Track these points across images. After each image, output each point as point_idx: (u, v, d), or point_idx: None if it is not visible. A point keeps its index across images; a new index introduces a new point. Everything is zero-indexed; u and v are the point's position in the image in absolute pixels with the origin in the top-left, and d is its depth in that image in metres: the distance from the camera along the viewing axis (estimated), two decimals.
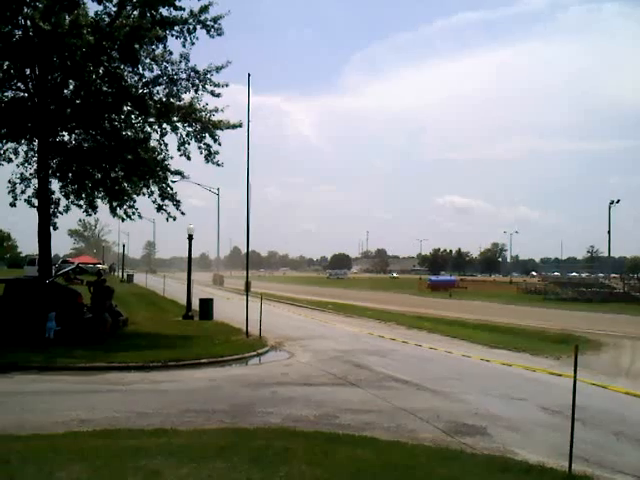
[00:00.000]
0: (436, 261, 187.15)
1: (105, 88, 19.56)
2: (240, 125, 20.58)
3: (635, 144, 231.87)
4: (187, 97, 20.24)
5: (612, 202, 67.71)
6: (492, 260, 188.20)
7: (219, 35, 19.43)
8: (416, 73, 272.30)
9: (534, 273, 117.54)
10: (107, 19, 18.71)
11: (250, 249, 23.47)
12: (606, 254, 78.02)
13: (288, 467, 6.70)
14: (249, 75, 21.42)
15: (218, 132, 20.52)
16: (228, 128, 20.48)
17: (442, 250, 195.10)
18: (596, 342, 20.72)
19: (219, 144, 20.76)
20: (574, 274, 67.36)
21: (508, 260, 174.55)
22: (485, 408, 11.03)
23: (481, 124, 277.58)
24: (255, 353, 17.52)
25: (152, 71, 19.94)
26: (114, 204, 21.06)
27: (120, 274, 78.94)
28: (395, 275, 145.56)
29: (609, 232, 67.47)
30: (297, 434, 8.38)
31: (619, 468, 7.70)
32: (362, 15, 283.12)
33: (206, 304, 27.39)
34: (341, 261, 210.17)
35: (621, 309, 40.74)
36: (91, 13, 18.36)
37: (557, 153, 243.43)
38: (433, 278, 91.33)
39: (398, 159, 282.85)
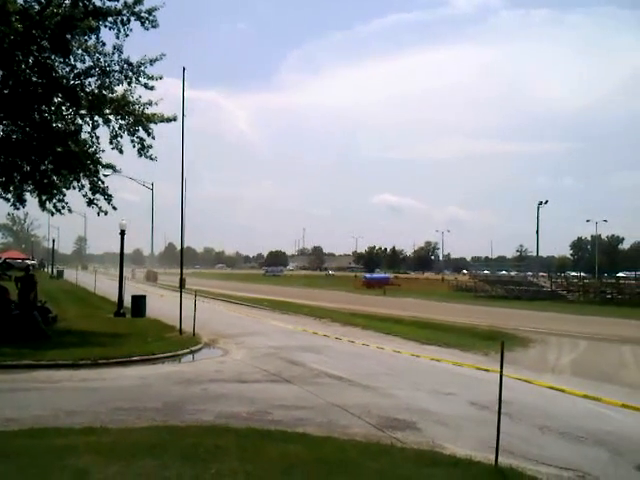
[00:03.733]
0: (371, 259, 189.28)
1: (35, 78, 18.94)
2: (175, 119, 20.31)
3: (563, 146, 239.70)
4: (120, 89, 19.78)
5: (540, 203, 69.97)
6: (425, 258, 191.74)
7: (154, 27, 19.10)
8: (353, 72, 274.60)
9: (465, 271, 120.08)
10: (37, 7, 18.14)
11: (185, 245, 23.34)
12: (535, 253, 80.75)
13: (219, 464, 6.67)
14: (184, 69, 21.19)
15: (152, 125, 20.15)
16: (162, 121, 20.16)
17: (377, 248, 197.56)
18: (523, 338, 21.34)
19: (153, 138, 20.41)
20: (503, 272, 69.12)
21: (440, 258, 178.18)
22: (415, 403, 11.24)
23: (415, 124, 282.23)
24: (188, 350, 17.34)
25: (84, 62, 19.40)
26: (43, 198, 20.46)
27: (50, 270, 76.83)
28: (331, 272, 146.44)
29: (537, 232, 69.71)
30: (229, 431, 8.35)
31: (543, 460, 7.93)
32: (296, 12, 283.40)
33: (138, 301, 26.93)
34: (277, 258, 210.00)
35: (548, 306, 42.16)
36: (20, 0, 17.78)
37: (488, 154, 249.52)
38: (368, 276, 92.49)
39: (335, 157, 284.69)
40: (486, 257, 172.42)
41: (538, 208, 68.96)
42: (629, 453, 8.47)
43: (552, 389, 13.12)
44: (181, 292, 21.91)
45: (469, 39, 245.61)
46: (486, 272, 72.38)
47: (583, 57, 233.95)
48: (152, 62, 19.56)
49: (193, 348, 17.72)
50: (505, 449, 7.74)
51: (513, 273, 67.56)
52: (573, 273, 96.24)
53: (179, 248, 28.30)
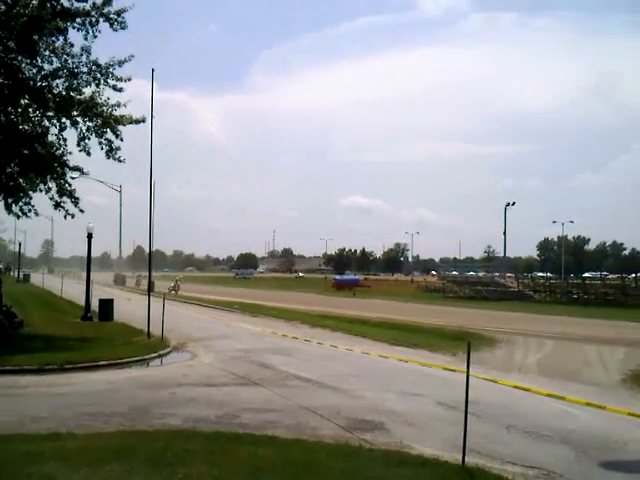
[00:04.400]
0: (341, 261, 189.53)
1: (1, 80, 18.68)
2: (143, 120, 20.16)
3: (530, 148, 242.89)
4: (88, 91, 19.58)
5: (508, 204, 70.96)
6: (395, 260, 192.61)
7: (123, 29, 18.94)
8: (323, 74, 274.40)
9: (434, 272, 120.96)
10: (3, 7, 17.88)
11: (154, 248, 23.20)
12: (502, 254, 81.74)
13: (187, 468, 6.66)
14: (153, 70, 21.10)
15: (120, 127, 19.99)
16: (131, 123, 19.99)
17: (347, 250, 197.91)
18: (490, 339, 21.55)
19: (121, 140, 20.22)
20: (472, 273, 69.83)
21: (410, 260, 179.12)
22: (384, 404, 11.32)
23: (385, 126, 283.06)
24: (156, 354, 17.21)
25: (52, 64, 19.15)
26: (9, 201, 20.15)
27: (16, 274, 75.61)
28: (301, 275, 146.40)
29: (505, 233, 70.63)
30: (197, 435, 8.34)
31: (509, 459, 8.04)
32: (267, 15, 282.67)
33: (106, 305, 26.65)
34: (248, 260, 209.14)
35: (515, 307, 42.68)
36: None
37: (456, 156, 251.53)
38: (338, 277, 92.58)
39: (305, 159, 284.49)
40: (454, 258, 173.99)
41: (505, 210, 69.95)
42: (593, 451, 8.60)
43: (518, 388, 13.29)
44: (149, 296, 21.74)
45: (439, 42, 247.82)
46: (454, 273, 73.03)
47: (549, 60, 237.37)
48: (121, 64, 19.39)
49: (161, 352, 17.59)
50: (472, 448, 7.82)
51: (481, 274, 68.31)
52: (540, 274, 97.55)
53: (148, 251, 28.06)
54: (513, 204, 71.64)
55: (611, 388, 13.83)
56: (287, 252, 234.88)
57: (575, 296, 51.76)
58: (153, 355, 17.10)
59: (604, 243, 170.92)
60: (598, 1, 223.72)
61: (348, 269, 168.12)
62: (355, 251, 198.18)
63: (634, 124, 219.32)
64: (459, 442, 7.47)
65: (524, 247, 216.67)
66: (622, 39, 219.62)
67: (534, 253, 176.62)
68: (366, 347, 19.77)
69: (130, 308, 30.70)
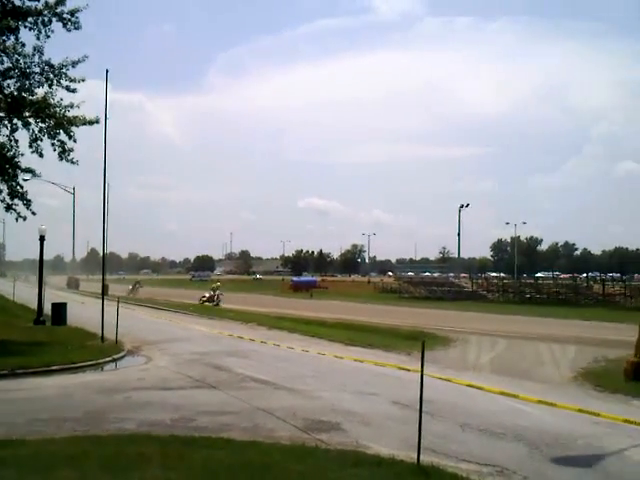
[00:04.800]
0: (299, 262, 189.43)
1: None
2: (97, 121, 19.85)
3: (483, 151, 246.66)
4: (41, 92, 19.20)
5: (462, 206, 72.08)
6: (352, 261, 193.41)
7: (76, 29, 18.60)
8: (281, 76, 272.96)
9: (390, 273, 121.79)
10: None
11: (109, 251, 22.85)
12: (457, 255, 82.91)
13: (141, 472, 6.62)
14: (107, 71, 20.88)
15: (73, 129, 19.64)
16: (84, 124, 19.65)
17: (304, 251, 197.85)
18: (445, 338, 21.89)
19: (74, 141, 19.83)
20: (427, 274, 70.72)
21: (367, 261, 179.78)
22: (340, 404, 11.39)
23: (341, 128, 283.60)
24: (110, 358, 17.01)
25: (2, 63, 18.67)
26: None
27: None
28: (259, 276, 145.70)
29: (459, 234, 71.68)
30: (152, 439, 8.27)
31: (463, 457, 8.17)
32: (224, 16, 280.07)
33: (59, 308, 26.18)
34: (204, 263, 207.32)
35: (469, 306, 43.41)
36: None
37: (411, 158, 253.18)
38: (295, 279, 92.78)
39: (262, 161, 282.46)
40: (410, 259, 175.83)
41: (460, 211, 70.99)
42: (544, 447, 8.80)
43: (472, 387, 13.49)
44: (103, 298, 21.43)
45: (395, 45, 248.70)
46: (410, 274, 73.90)
47: (503, 64, 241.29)
48: (74, 64, 19.05)
49: (115, 356, 17.38)
50: (427, 447, 7.93)
51: (436, 274, 69.34)
52: (493, 274, 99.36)
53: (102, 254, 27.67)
54: (467, 206, 72.90)
55: (562, 385, 14.19)
56: (244, 254, 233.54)
57: (528, 296, 52.88)
58: (107, 359, 16.88)
59: (556, 243, 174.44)
60: (550, 6, 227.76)
61: (305, 271, 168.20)
62: (312, 253, 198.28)
63: (584, 127, 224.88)
64: (414, 441, 7.54)
65: (478, 248, 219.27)
66: (573, 44, 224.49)
67: (488, 254, 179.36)
68: (322, 348, 19.85)
69: (84, 312, 30.17)
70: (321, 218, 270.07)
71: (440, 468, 7.45)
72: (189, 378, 14.22)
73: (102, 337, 19.81)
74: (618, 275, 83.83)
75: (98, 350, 17.93)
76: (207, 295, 46.65)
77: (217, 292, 46.40)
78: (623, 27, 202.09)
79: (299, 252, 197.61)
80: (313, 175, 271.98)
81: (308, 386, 13.30)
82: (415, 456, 7.47)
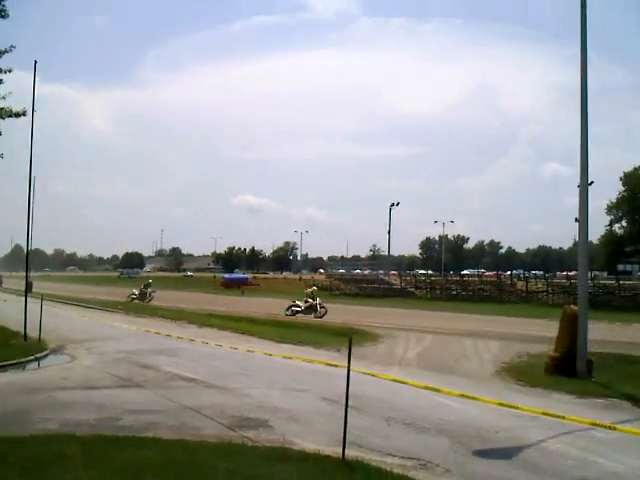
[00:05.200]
0: (231, 259, 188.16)
1: None
2: (24, 114, 19.17)
3: (414, 151, 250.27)
4: None
5: (392, 204, 73.29)
6: (284, 258, 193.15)
7: (2, 17, 17.96)
8: (216, 72, 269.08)
9: (322, 270, 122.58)
10: None
11: (33, 247, 22.12)
12: (387, 253, 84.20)
13: (63, 473, 6.48)
14: (35, 62, 20.29)
15: None
16: (10, 116, 18.95)
17: (237, 248, 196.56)
18: (373, 334, 22.15)
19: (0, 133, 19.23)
20: (357, 271, 71.53)
21: (299, 258, 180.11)
22: (269, 401, 11.41)
23: (275, 126, 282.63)
24: (33, 357, 16.52)
25: None
26: None
27: None
28: (190, 273, 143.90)
29: (389, 232, 72.81)
30: (75, 439, 8.07)
31: (388, 451, 8.31)
32: (158, 10, 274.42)
33: None
34: (134, 260, 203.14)
35: (398, 303, 44.09)
36: None
37: (345, 156, 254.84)
38: (227, 276, 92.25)
39: (195, 157, 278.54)
40: (342, 257, 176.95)
41: (390, 209, 72.11)
42: (467, 440, 9.03)
43: (398, 382, 13.73)
44: (26, 296, 20.74)
45: (330, 44, 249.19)
46: (341, 271, 74.50)
47: (436, 65, 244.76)
48: (1, 54, 18.40)
49: (38, 355, 16.89)
50: (353, 442, 8.04)
51: (366, 272, 70.06)
52: (421, 271, 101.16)
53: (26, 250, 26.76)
54: (398, 204, 74.11)
55: (485, 380, 14.55)
56: (175, 251, 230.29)
57: (454, 292, 54.12)
58: (30, 358, 16.40)
59: (482, 242, 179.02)
60: (484, 10, 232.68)
61: (238, 268, 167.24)
62: (245, 250, 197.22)
63: (512, 129, 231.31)
64: (341, 436, 7.61)
65: (408, 246, 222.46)
66: (505, 47, 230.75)
67: (417, 252, 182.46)
68: (253, 345, 19.80)
69: (6, 310, 29.19)
70: (254, 215, 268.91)
71: (365, 462, 7.57)
72: (115, 377, 13.95)
73: (25, 336, 19.19)
74: (541, 272, 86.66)
75: (20, 349, 17.36)
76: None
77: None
78: (553, 33, 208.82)
79: (231, 249, 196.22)
80: (246, 172, 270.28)
81: (237, 383, 13.24)
82: (341, 451, 7.55)
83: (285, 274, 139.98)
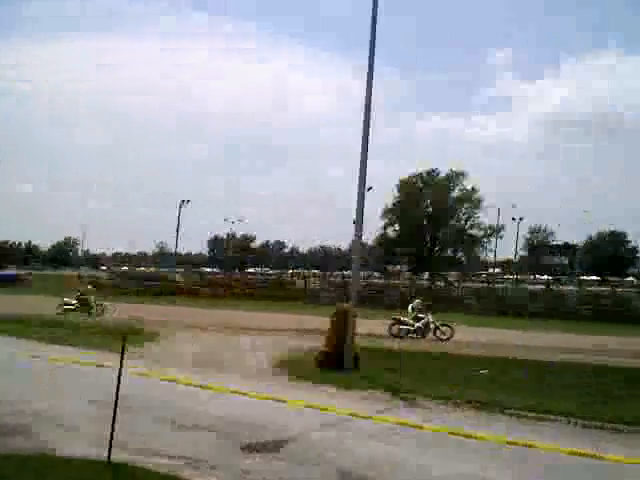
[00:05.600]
0: (4, 254, 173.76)
1: None
2: None
3: (208, 150, 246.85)
4: None
5: (183, 202, 72.99)
6: (64, 254, 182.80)
7: None
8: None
9: (104, 267, 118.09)
10: None
11: None
12: (174, 250, 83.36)
13: None
14: None
15: None
16: None
17: (11, 243, 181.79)
18: (152, 333, 21.74)
19: None
20: (142, 269, 70.20)
21: (80, 254, 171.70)
22: (31, 406, 10.78)
23: (64, 114, 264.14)
24: None
25: None
26: None
27: None
28: None
29: (177, 230, 72.28)
30: None
31: (157, 452, 8.28)
32: None
33: None
34: None
35: (182, 301, 44.44)
36: None
37: (138, 152, 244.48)
38: None
39: None
40: (127, 253, 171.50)
41: (180, 208, 71.70)
42: (236, 436, 9.26)
43: (171, 381, 13.72)
44: None
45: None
46: (125, 268, 72.51)
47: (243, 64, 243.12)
48: None
49: None
50: (121, 444, 7.90)
51: (152, 269, 68.84)
52: (208, 269, 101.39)
53: None
54: (188, 202, 74.02)
55: (258, 375, 14.92)
56: None
57: (237, 290, 55.22)
58: None
59: (267, 242, 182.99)
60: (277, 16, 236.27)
61: (12, 264, 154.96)
62: (20, 244, 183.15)
63: (308, 132, 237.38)
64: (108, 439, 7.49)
65: (198, 244, 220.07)
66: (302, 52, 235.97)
67: (205, 250, 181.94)
68: (17, 346, 18.49)
69: None
70: (35, 207, 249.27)
71: (131, 464, 7.51)
72: None
73: None
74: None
75: None
76: None
77: None
78: (342, 41, 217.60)
79: (4, 243, 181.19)
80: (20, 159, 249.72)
81: None
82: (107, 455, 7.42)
83: (65, 271, 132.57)
